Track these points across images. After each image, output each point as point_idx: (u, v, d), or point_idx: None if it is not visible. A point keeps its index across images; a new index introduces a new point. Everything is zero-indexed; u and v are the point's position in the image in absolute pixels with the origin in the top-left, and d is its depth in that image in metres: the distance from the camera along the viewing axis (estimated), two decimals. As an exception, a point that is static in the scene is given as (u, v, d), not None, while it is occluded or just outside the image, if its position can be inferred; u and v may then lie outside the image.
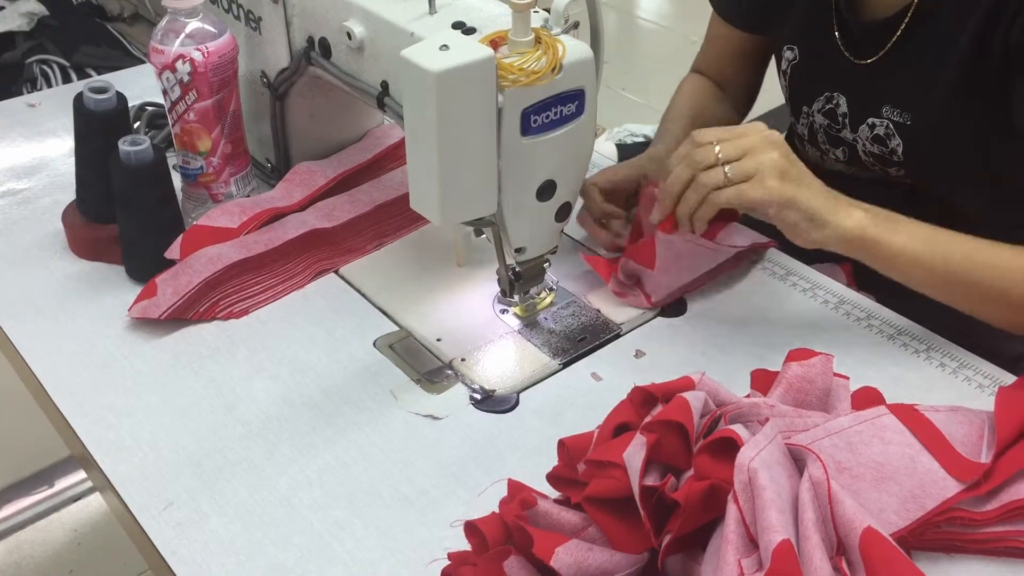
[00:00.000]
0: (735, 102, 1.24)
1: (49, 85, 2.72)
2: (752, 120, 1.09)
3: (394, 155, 1.11)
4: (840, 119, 1.05)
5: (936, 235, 0.87)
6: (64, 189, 1.10)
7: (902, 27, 0.96)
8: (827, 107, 1.06)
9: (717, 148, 0.85)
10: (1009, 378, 0.85)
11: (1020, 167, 0.88)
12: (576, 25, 0.81)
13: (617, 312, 0.93)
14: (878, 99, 1.00)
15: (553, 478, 0.71)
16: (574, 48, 0.77)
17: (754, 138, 0.85)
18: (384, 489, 0.76)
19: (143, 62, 1.70)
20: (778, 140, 0.86)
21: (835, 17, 1.04)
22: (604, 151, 2.09)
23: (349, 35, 0.87)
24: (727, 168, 0.84)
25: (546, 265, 0.91)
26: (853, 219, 0.85)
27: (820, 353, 0.77)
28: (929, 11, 0.95)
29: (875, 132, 1.01)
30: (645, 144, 2.24)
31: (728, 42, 1.22)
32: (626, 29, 3.67)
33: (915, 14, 0.95)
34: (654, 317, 0.93)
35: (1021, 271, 0.85)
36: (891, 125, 0.99)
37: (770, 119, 1.25)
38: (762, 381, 0.80)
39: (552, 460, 0.72)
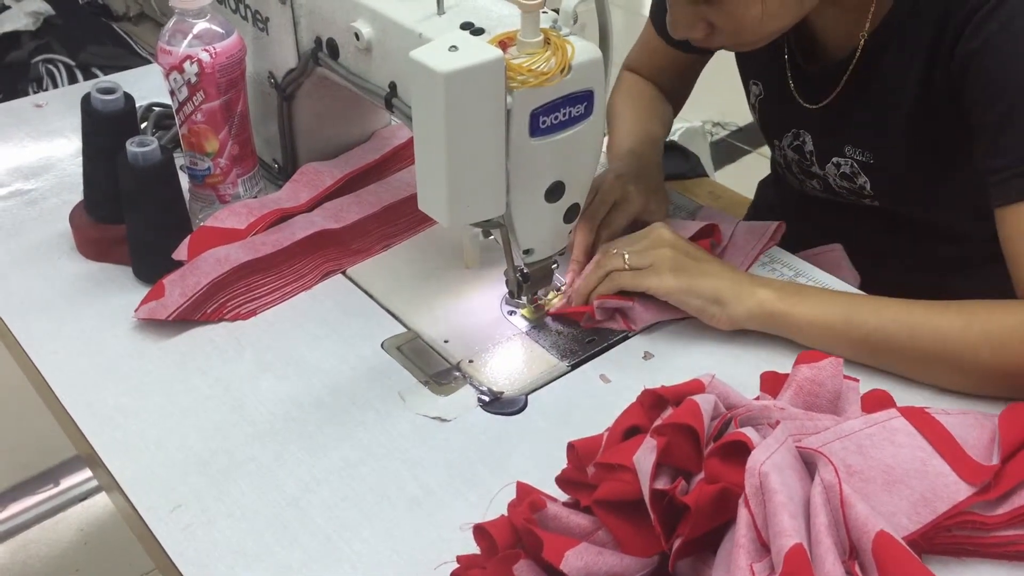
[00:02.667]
0: (671, 100, 1.23)
1: (55, 85, 2.72)
2: (746, 124, 1.09)
3: (402, 155, 1.11)
4: (808, 156, 1.06)
5: (855, 305, 0.85)
6: (71, 189, 1.10)
7: (848, 71, 0.97)
8: (795, 143, 1.08)
9: (615, 250, 0.91)
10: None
11: (982, 187, 0.90)
12: (582, 28, 0.81)
13: (625, 313, 0.93)
14: (839, 140, 1.01)
15: (562, 481, 0.70)
16: (583, 49, 0.77)
17: (651, 238, 0.91)
18: (392, 491, 0.76)
19: (149, 62, 1.70)
20: (671, 239, 0.90)
21: (788, 62, 1.04)
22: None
23: (357, 36, 0.87)
24: (626, 255, 0.89)
25: (554, 266, 0.91)
26: (756, 297, 0.87)
27: (830, 355, 0.77)
28: (877, 54, 0.95)
29: (841, 170, 1.03)
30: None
31: (663, 55, 1.20)
32: (633, 29, 3.65)
33: (862, 58, 0.96)
34: (662, 319, 0.93)
35: (953, 334, 0.81)
36: (855, 164, 1.01)
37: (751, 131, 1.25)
38: (772, 384, 0.79)
39: (561, 463, 0.71)
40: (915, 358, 0.83)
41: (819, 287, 0.90)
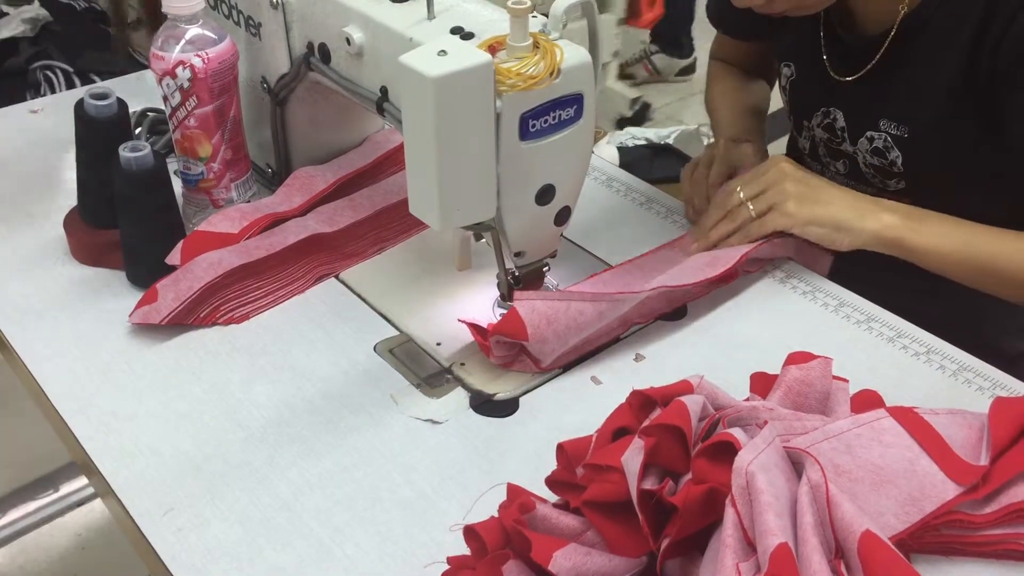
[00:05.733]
0: (761, 76, 1.28)
1: (53, 91, 2.72)
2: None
3: (394, 160, 1.11)
4: (839, 132, 1.07)
5: (974, 236, 0.91)
6: (66, 195, 1.11)
7: (886, 44, 0.98)
8: (825, 121, 1.08)
9: (739, 189, 0.96)
10: (1010, 381, 0.85)
11: (1016, 173, 0.90)
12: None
13: (617, 316, 0.93)
14: (875, 113, 1.02)
15: (552, 482, 0.71)
16: (572, 53, 0.78)
17: (770, 174, 0.95)
18: (384, 493, 0.77)
19: (147, 68, 1.71)
20: (790, 171, 0.95)
21: (824, 36, 1.05)
22: (605, 155, 2.09)
23: (348, 40, 0.88)
24: (751, 205, 0.94)
25: (546, 269, 0.91)
26: (881, 223, 0.91)
27: (819, 356, 0.77)
28: (920, 27, 0.96)
29: (874, 145, 1.03)
30: (646, 147, 2.25)
31: (735, 47, 1.25)
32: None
33: (901, 30, 0.97)
34: (653, 321, 0.93)
35: None
36: (889, 138, 1.01)
37: (771, 121, 1.26)
38: (761, 384, 0.80)
39: (551, 464, 0.72)
40: None
41: (940, 214, 0.94)
